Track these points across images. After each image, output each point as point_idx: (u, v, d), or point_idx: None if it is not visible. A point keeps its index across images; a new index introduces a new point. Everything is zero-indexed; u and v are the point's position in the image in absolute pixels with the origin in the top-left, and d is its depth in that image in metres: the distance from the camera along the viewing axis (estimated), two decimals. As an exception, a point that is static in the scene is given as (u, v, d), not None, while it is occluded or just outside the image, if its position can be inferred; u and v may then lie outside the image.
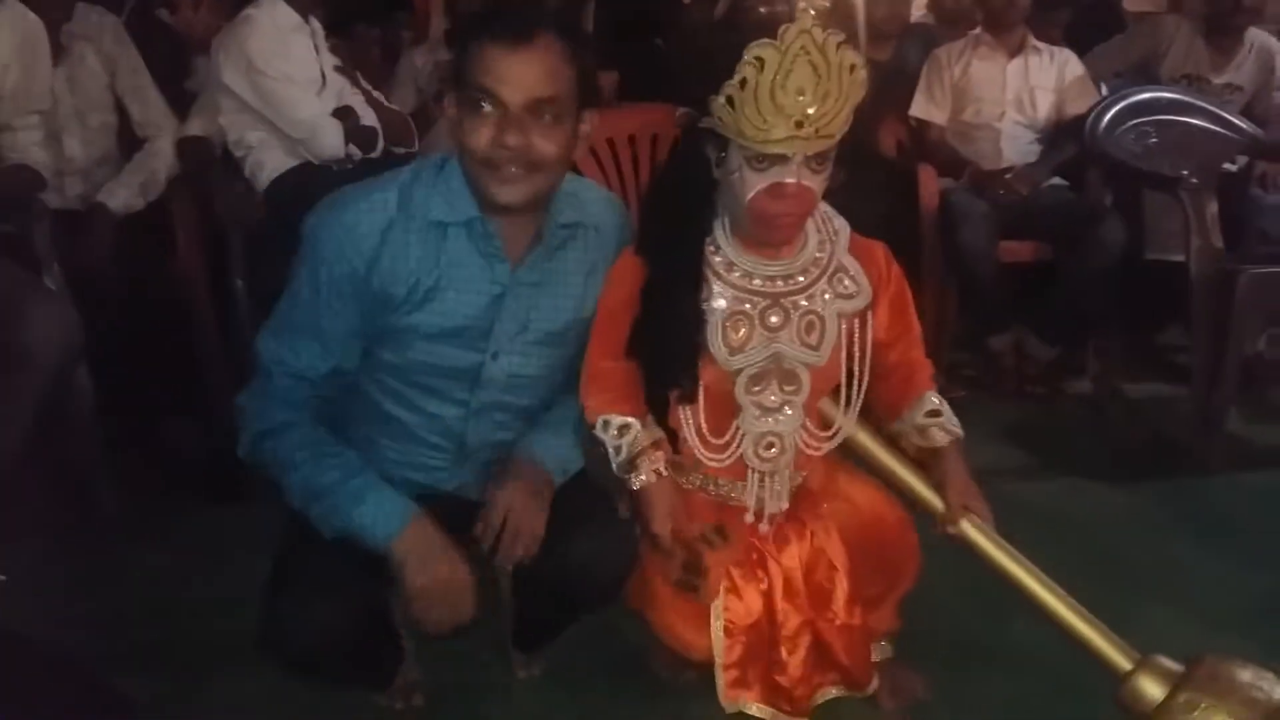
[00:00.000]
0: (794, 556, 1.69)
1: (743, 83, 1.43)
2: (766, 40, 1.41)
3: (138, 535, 2.43)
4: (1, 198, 2.44)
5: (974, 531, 1.68)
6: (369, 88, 3.17)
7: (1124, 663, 1.60)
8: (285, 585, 1.53)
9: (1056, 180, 3.47)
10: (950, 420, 1.72)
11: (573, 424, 1.68)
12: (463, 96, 1.49)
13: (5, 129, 2.42)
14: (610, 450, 1.62)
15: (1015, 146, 3.50)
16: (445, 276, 1.56)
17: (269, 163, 2.90)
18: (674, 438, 1.67)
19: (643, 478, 1.62)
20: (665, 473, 1.63)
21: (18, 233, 2.46)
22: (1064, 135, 3.44)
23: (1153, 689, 1.55)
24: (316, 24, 3.01)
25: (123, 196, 2.83)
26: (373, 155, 2.99)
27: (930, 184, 3.41)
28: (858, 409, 1.69)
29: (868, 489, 1.78)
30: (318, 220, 1.56)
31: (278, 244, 2.77)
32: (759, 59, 1.41)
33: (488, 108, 1.46)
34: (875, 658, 1.81)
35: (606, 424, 1.63)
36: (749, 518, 1.69)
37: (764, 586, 1.68)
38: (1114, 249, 3.19)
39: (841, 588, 1.69)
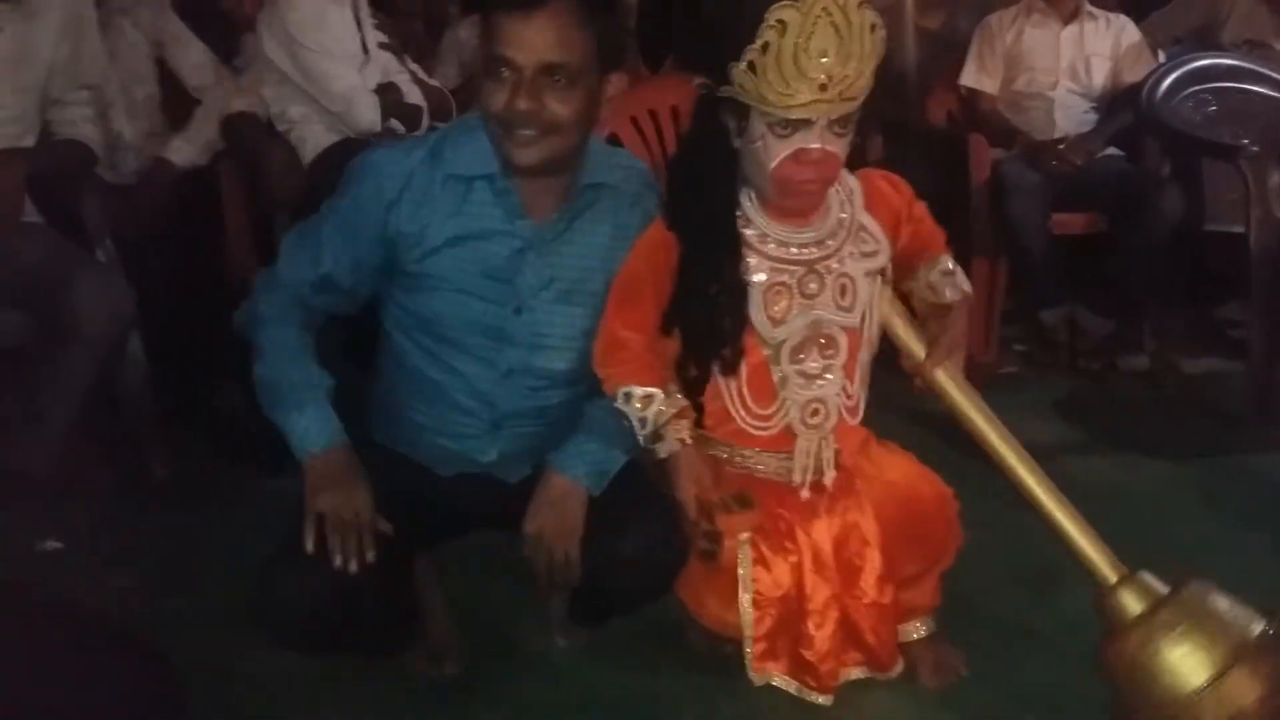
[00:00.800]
0: (824, 530, 1.67)
1: (765, 47, 1.41)
2: (787, 2, 1.39)
3: (188, 505, 2.46)
4: (54, 173, 2.47)
5: (948, 381, 1.68)
6: (415, 68, 3.17)
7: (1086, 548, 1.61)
8: (282, 552, 1.55)
9: (1112, 150, 3.40)
10: (962, 279, 1.73)
11: (608, 422, 1.66)
12: (485, 62, 1.53)
13: (56, 104, 2.45)
14: (635, 422, 1.61)
15: (1069, 116, 3.43)
16: (467, 227, 1.60)
17: (311, 138, 2.92)
18: (700, 410, 1.67)
19: (668, 446, 1.61)
20: (689, 440, 1.63)
21: (71, 207, 2.50)
22: (1120, 104, 3.36)
23: (1134, 604, 1.53)
24: None
25: (187, 152, 2.89)
26: (417, 134, 2.99)
27: (981, 154, 3.36)
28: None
29: (904, 464, 1.76)
30: (356, 160, 1.65)
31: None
32: (781, 22, 1.40)
33: (504, 72, 1.49)
34: (919, 634, 1.79)
35: (628, 395, 1.61)
36: (797, 482, 1.68)
37: (794, 559, 1.66)
38: (1171, 220, 3.12)
39: (872, 565, 1.67)
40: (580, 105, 1.52)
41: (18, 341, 2.28)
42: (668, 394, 1.62)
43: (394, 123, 2.95)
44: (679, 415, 1.62)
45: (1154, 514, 2.39)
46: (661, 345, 1.65)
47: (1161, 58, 3.40)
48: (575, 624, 1.89)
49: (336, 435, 1.60)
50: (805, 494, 1.69)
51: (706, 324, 1.60)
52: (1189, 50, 3.29)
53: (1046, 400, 3.11)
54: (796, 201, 1.57)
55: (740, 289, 1.58)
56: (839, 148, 1.51)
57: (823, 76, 1.42)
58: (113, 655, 1.37)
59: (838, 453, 1.71)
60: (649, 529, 1.60)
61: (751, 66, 1.43)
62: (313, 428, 1.59)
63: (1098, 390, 3.27)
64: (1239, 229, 2.89)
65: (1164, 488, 2.57)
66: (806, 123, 1.46)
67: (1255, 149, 2.80)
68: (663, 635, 1.86)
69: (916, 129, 3.61)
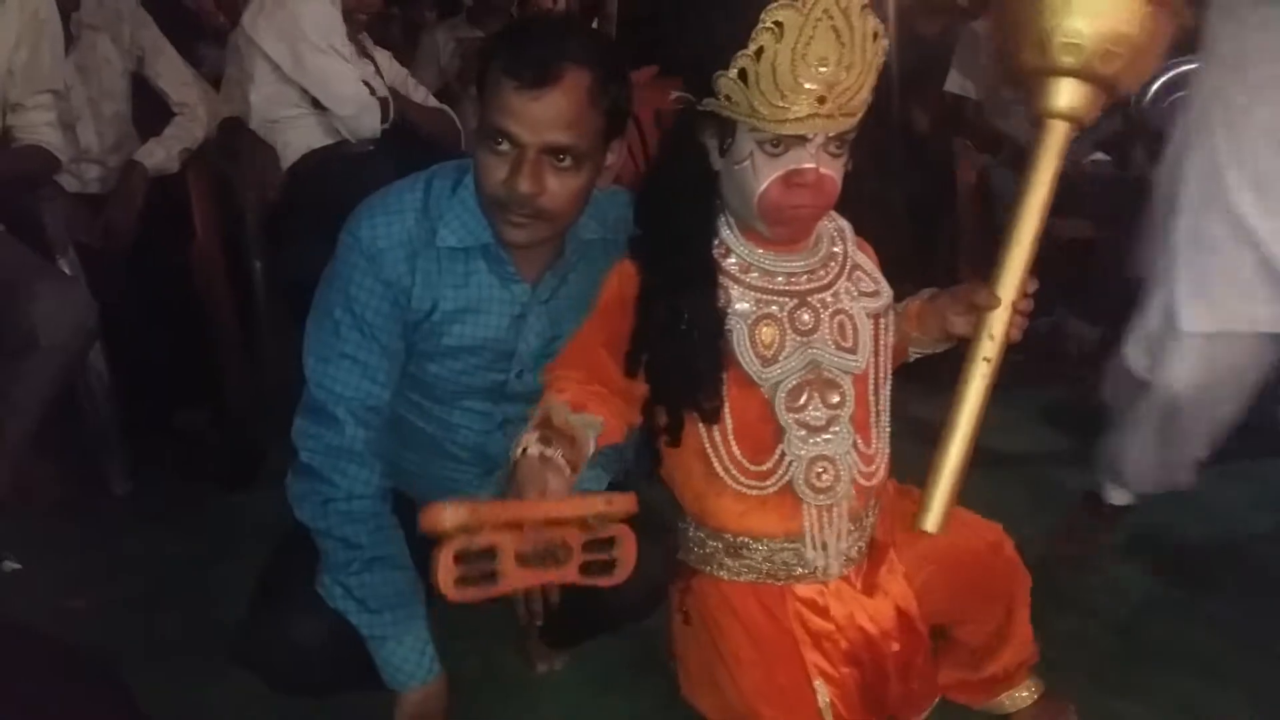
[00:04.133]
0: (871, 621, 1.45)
1: (759, 52, 1.24)
2: (786, 1, 1.23)
3: (150, 521, 2.40)
4: (15, 179, 2.39)
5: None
6: (385, 63, 3.09)
7: None
8: (269, 600, 1.49)
9: (1099, 155, 3.38)
10: None
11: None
12: (481, 125, 1.40)
13: (17, 108, 2.37)
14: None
15: (1055, 121, 3.39)
16: (469, 298, 1.50)
17: (295, 140, 2.83)
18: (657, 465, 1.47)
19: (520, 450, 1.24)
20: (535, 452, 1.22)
21: (33, 216, 2.42)
22: (1106, 109, 3.33)
23: None
24: None
25: (159, 156, 2.81)
26: (385, 126, 2.91)
27: (968, 160, 3.32)
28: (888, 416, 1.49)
29: None
30: (345, 250, 1.48)
31: (297, 225, 2.75)
32: (778, 24, 1.23)
33: (503, 145, 1.37)
34: (1030, 697, 1.68)
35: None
36: (818, 566, 1.43)
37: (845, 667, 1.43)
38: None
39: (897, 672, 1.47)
40: (582, 185, 1.41)
41: (-26, 353, 2.20)
42: (558, 407, 1.30)
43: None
44: (542, 424, 1.27)
45: (1145, 520, 2.33)
46: (615, 388, 1.40)
47: (1148, 62, 3.37)
48: (548, 647, 1.85)
49: (434, 666, 1.52)
50: (831, 574, 1.44)
51: (677, 363, 1.37)
52: (1175, 54, 3.26)
53: (1035, 409, 3.07)
54: (785, 230, 1.38)
55: (717, 321, 1.37)
56: (834, 170, 1.33)
57: (821, 88, 1.25)
58: (70, 682, 1.32)
59: (872, 528, 1.50)
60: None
61: (742, 75, 1.26)
62: (410, 658, 1.50)
63: (1087, 398, 3.22)
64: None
65: (1157, 495, 2.52)
66: (800, 140, 1.28)
67: (1245, 154, 2.76)
68: (643, 660, 1.81)
69: (903, 135, 3.57)
